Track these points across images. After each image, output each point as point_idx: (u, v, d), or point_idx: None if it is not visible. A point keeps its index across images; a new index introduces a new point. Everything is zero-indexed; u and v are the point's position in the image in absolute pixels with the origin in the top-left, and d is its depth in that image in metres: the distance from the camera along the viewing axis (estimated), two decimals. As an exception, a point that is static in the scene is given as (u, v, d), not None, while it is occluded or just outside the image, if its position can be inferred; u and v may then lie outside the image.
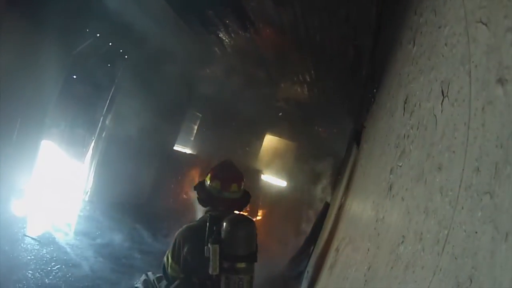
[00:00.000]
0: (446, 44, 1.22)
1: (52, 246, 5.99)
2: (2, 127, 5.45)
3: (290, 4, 5.25)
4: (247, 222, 2.78)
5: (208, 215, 2.83)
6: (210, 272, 2.56)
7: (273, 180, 14.06)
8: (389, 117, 2.33)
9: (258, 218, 12.56)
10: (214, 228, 2.66)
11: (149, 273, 3.10)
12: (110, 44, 7.33)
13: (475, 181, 0.79)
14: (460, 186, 0.86)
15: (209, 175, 3.00)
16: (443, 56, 1.24)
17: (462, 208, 0.83)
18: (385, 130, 2.39)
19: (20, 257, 5.33)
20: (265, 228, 11.34)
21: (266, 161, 14.19)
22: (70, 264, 5.62)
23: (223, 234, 2.62)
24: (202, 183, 3.03)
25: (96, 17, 6.08)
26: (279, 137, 14.48)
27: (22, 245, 5.70)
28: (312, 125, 12.58)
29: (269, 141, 14.64)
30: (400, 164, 1.60)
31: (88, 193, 8.53)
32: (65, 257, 5.77)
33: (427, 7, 1.70)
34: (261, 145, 14.57)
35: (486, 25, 0.86)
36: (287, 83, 9.62)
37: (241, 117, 10.93)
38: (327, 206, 7.34)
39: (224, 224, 2.64)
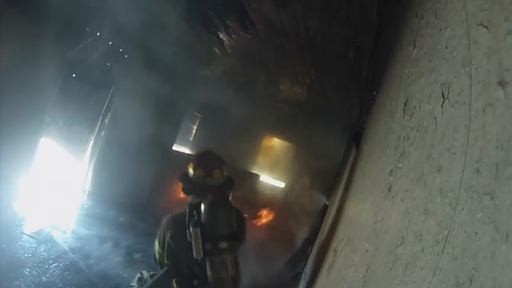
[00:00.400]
0: (446, 47, 1.23)
1: (49, 244, 5.98)
2: (1, 124, 5.45)
3: (290, 5, 5.26)
4: (224, 202, 2.85)
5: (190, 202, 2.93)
6: (194, 256, 2.64)
7: (272, 181, 14.08)
8: (389, 119, 2.33)
9: (256, 219, 12.56)
10: (194, 213, 2.75)
11: (144, 272, 3.16)
12: (110, 43, 7.33)
13: (475, 182, 0.80)
14: (460, 187, 0.86)
15: (191, 165, 3.06)
16: (443, 58, 1.24)
17: (462, 209, 0.83)
18: (385, 132, 2.39)
19: (17, 255, 5.32)
20: (263, 229, 11.36)
21: (265, 162, 14.21)
22: (68, 262, 5.62)
23: (202, 217, 2.70)
24: (185, 174, 3.09)
25: (96, 16, 6.08)
26: (278, 138, 14.50)
27: (19, 242, 5.69)
28: (312, 126, 12.58)
29: (268, 142, 14.66)
30: (400, 166, 1.61)
31: (87, 192, 8.53)
32: (62, 255, 5.76)
33: (428, 10, 1.70)
34: (260, 145, 14.59)
35: (487, 27, 0.87)
36: (287, 84, 9.62)
37: (240, 117, 10.92)
38: (325, 208, 7.35)
39: (202, 206, 2.72)
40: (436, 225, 0.97)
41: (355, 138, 4.99)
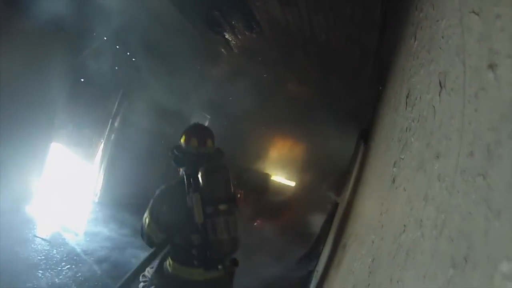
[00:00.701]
0: (443, 37, 1.25)
1: (62, 246, 6.04)
2: (12, 129, 5.52)
3: (295, 3, 5.27)
4: (221, 167, 2.97)
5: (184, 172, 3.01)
6: (196, 220, 2.72)
7: (282, 180, 14.08)
8: (393, 113, 2.35)
9: (268, 218, 12.55)
10: (191, 181, 2.84)
11: (148, 268, 3.21)
12: (117, 47, 7.38)
13: (469, 165, 0.81)
14: (456, 171, 0.88)
15: (183, 137, 3.19)
16: (440, 48, 1.26)
17: (458, 192, 0.85)
18: (390, 126, 2.41)
19: (30, 258, 5.38)
20: (274, 227, 11.35)
21: (275, 162, 14.21)
22: (80, 264, 5.66)
23: (201, 183, 2.80)
24: (177, 146, 3.20)
25: (103, 20, 6.14)
26: (287, 137, 14.48)
27: (32, 245, 5.76)
28: (320, 125, 12.56)
29: (277, 141, 14.65)
30: (403, 157, 1.63)
31: (98, 194, 8.60)
32: (75, 257, 5.82)
33: (427, 2, 1.72)
34: (269, 145, 14.59)
35: (478, 14, 0.89)
36: (294, 83, 9.62)
37: (248, 117, 10.94)
38: (336, 205, 7.34)
39: (200, 172, 2.83)
40: (434, 210, 0.98)
41: (363, 135, 5.00)
